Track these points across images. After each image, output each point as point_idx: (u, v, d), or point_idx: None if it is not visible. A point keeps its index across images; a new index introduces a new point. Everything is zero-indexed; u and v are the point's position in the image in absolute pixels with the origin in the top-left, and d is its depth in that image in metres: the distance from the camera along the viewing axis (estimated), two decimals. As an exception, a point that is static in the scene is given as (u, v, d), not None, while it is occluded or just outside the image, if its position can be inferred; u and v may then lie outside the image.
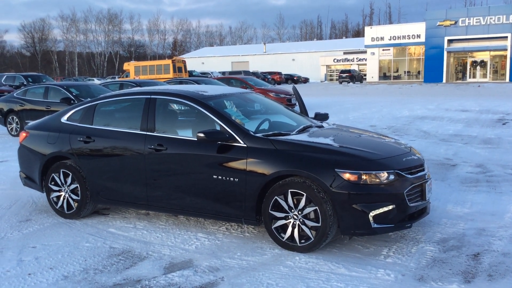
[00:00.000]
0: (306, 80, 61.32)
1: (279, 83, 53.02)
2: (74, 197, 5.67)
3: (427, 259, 4.34)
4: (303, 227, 4.44)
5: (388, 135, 5.66)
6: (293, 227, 4.49)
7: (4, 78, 25.69)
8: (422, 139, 11.46)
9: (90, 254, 4.64)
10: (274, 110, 5.92)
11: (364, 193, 4.28)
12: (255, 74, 50.39)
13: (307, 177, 4.38)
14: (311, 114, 6.38)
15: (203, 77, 20.44)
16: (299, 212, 4.45)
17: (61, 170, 5.73)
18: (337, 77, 57.57)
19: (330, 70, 67.92)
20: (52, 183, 5.81)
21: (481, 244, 4.64)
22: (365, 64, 58.49)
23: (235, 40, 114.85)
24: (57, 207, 5.82)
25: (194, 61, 77.29)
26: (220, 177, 4.75)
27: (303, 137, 4.82)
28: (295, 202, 4.46)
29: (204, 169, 4.83)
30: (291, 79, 58.81)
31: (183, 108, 5.32)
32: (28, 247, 4.86)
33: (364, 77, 56.23)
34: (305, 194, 4.38)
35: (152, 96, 5.35)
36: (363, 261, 4.31)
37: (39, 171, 5.89)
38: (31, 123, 6.34)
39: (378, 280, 3.93)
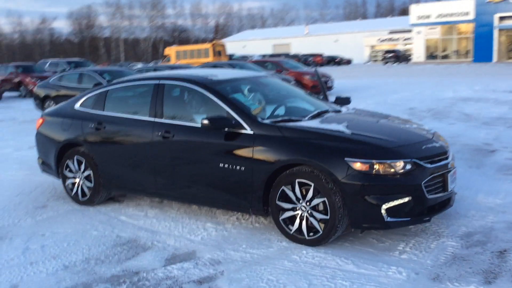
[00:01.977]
0: (348, 62, 59.96)
1: (320, 65, 52.18)
2: (88, 184, 5.61)
3: (447, 255, 3.99)
4: (311, 219, 4.18)
5: (412, 120, 5.27)
6: (301, 219, 4.24)
7: (48, 64, 26.34)
8: (462, 122, 10.84)
9: (96, 243, 4.55)
10: (291, 95, 5.63)
11: (377, 184, 3.96)
12: (296, 57, 49.76)
13: (315, 167, 4.10)
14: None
15: (238, 62, 20.12)
16: (307, 204, 4.18)
17: (75, 156, 5.67)
18: (382, 58, 56.00)
19: (374, 50, 66.14)
20: (67, 169, 5.77)
21: (510, 239, 4.25)
22: (411, 44, 56.53)
23: (277, 22, 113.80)
24: (72, 194, 5.79)
25: (236, 45, 77.08)
26: (226, 165, 4.54)
27: (314, 123, 4.53)
28: (303, 193, 4.20)
29: (211, 157, 4.63)
30: (333, 61, 57.69)
31: (191, 93, 5.10)
32: (37, 235, 4.83)
33: (409, 57, 54.40)
34: (313, 185, 4.11)
35: (160, 82, 5.18)
36: (375, 257, 4.01)
37: (54, 157, 5.86)
38: (48, 109, 6.31)
39: (388, 279, 3.63)
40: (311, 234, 4.20)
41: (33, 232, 4.90)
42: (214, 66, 17.92)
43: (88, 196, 5.63)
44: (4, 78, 22.29)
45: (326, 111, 5.11)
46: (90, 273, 3.95)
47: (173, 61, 39.30)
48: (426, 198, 4.08)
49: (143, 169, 5.15)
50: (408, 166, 4.05)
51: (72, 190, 5.78)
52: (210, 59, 38.35)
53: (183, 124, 4.85)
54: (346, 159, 4.01)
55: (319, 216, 4.13)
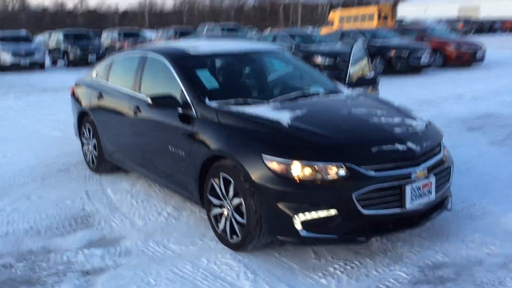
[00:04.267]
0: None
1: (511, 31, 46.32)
2: (95, 152, 5.71)
3: (377, 291, 3.11)
4: (233, 221, 3.61)
5: (412, 113, 4.13)
6: (226, 219, 3.69)
7: (205, 29, 27.82)
8: None
9: (56, 213, 4.60)
10: (288, 74, 4.91)
11: (293, 190, 3.21)
12: (480, 22, 44.65)
13: (235, 162, 3.49)
14: None
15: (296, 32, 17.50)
16: (231, 203, 3.61)
17: (86, 124, 5.81)
18: None
19: None
20: (83, 136, 5.96)
21: (488, 282, 3.13)
22: None
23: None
24: (86, 160, 5.97)
25: (416, 8, 71.79)
26: (173, 149, 4.16)
27: (264, 109, 3.84)
28: (227, 190, 3.63)
29: (164, 139, 4.28)
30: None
31: (163, 68, 4.71)
32: (23, 198, 5.04)
33: None
34: (232, 182, 3.52)
35: (145, 54, 4.93)
36: (289, 277, 3.31)
37: (75, 124, 6.10)
38: (79, 77, 6.54)
39: (268, 308, 2.96)
40: (234, 237, 3.64)
41: (23, 195, 5.15)
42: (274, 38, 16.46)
43: (95, 164, 5.75)
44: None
45: (314, 94, 4.34)
46: (16, 244, 3.99)
47: (335, 27, 38.10)
48: (360, 214, 3.19)
49: (123, 144, 5.05)
50: (342, 172, 3.20)
51: (86, 156, 5.96)
52: (374, 24, 36.36)
53: (146, 101, 4.56)
54: (263, 155, 3.32)
55: (239, 218, 3.54)
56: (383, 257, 3.51)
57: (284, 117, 3.63)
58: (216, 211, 3.77)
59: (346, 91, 4.60)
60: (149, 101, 4.08)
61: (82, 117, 5.91)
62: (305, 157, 3.24)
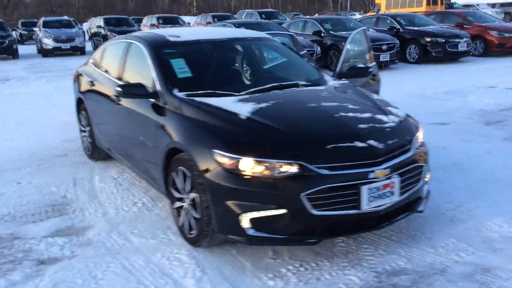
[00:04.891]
0: None
1: None
2: (89, 139, 5.73)
3: (323, 296, 2.94)
4: (190, 215, 3.51)
5: (394, 110, 3.84)
6: (185, 213, 3.59)
7: (244, 15, 27.59)
8: None
9: (37, 200, 4.64)
10: (276, 64, 4.74)
11: (241, 188, 3.07)
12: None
13: (191, 156, 3.37)
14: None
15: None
16: (188, 197, 3.50)
17: (81, 111, 5.84)
18: None
19: None
20: (81, 123, 6.00)
21: (445, 293, 2.90)
22: None
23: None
24: (83, 147, 6.02)
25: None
26: (144, 139, 4.09)
27: (229, 101, 3.68)
28: (185, 184, 3.52)
29: (138, 128, 4.22)
30: None
31: (144, 55, 4.61)
32: (13, 182, 5.14)
33: None
34: (188, 176, 3.41)
35: (129, 41, 4.86)
36: (238, 276, 3.18)
37: (76, 110, 6.14)
38: (81, 64, 6.57)
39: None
40: (192, 232, 3.54)
41: (14, 180, 5.24)
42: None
43: (90, 151, 5.78)
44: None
45: (293, 86, 4.14)
46: (-12, 229, 4.07)
47: (383, 10, 36.89)
48: (310, 214, 3.01)
49: (108, 132, 5.04)
50: (293, 170, 3.02)
51: (83, 143, 6.00)
52: (423, 8, 34.98)
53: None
54: (213, 150, 3.19)
55: (194, 213, 3.43)
56: (342, 260, 3.32)
57: (244, 110, 3.47)
58: (177, 204, 3.68)
59: (331, 82, 4.37)
60: (119, 89, 4.01)
61: (80, 104, 5.95)
62: (255, 153, 3.09)
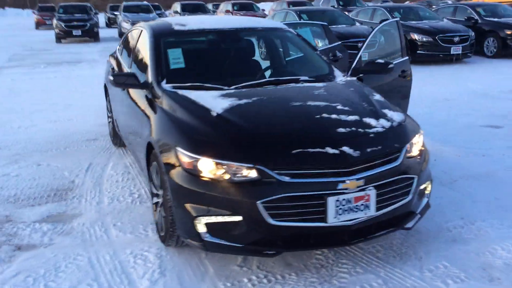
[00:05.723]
0: None
1: None
2: (112, 125, 5.79)
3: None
4: (161, 214, 3.37)
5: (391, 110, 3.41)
6: (159, 211, 3.46)
7: (321, 1, 26.88)
8: None
9: (47, 183, 4.75)
10: (285, 55, 4.46)
11: (198, 190, 2.88)
12: None
13: (157, 151, 3.22)
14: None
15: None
16: (159, 194, 3.37)
17: (107, 97, 5.90)
18: None
19: None
20: (108, 109, 6.07)
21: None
22: None
23: None
24: (109, 133, 6.10)
25: None
26: (137, 130, 4.02)
27: (210, 95, 3.48)
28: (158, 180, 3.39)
29: (135, 118, 4.14)
30: None
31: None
32: (33, 164, 5.29)
33: None
34: (160, 173, 3.27)
35: (141, 29, 4.79)
36: (195, 283, 3.00)
37: (105, 96, 6.23)
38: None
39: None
40: (162, 230, 3.40)
41: (35, 162, 5.39)
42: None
43: (112, 137, 5.84)
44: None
45: (292, 81, 3.86)
46: (-9, 208, 4.20)
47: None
48: (267, 224, 2.76)
49: (119, 119, 5.03)
50: (251, 175, 2.78)
51: (109, 129, 6.07)
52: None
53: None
54: (177, 148, 3.02)
55: (163, 212, 3.29)
56: (313, 274, 3.03)
57: (219, 106, 3.26)
58: (154, 200, 3.56)
59: (338, 79, 4.02)
60: (111, 78, 3.94)
61: (106, 90, 6.01)
62: (214, 154, 2.88)
